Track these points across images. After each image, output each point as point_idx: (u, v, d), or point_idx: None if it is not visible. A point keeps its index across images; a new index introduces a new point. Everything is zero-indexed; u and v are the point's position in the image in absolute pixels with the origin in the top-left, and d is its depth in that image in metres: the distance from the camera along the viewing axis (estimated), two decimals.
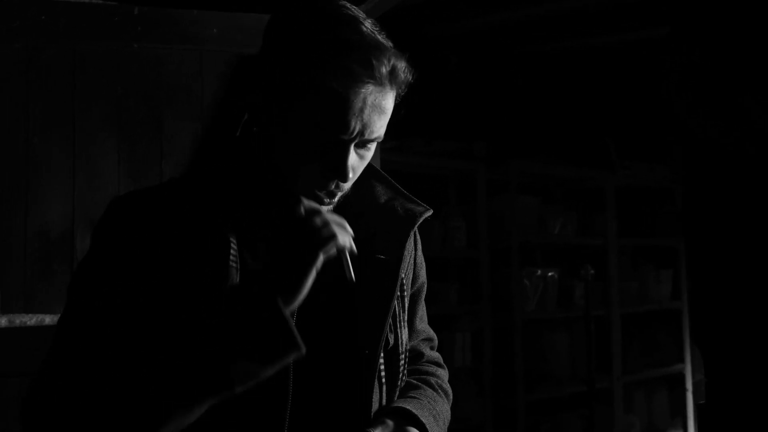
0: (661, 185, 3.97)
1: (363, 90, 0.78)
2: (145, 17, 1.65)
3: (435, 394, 0.97)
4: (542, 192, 3.63)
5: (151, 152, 1.66)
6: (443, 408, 0.97)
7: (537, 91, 3.81)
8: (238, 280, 0.80)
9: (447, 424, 0.97)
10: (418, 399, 0.92)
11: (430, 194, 3.46)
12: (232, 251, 0.80)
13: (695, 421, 3.87)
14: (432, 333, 1.07)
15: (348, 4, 0.83)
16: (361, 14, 0.82)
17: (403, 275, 0.90)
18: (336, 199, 0.86)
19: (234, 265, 0.80)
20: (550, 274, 3.37)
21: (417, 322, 1.03)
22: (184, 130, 1.67)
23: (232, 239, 0.81)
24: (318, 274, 0.80)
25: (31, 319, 1.56)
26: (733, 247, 1.15)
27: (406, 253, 0.90)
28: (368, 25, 0.81)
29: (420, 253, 1.01)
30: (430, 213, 0.94)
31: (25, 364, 1.56)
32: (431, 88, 3.40)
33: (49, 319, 1.57)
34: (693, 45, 1.21)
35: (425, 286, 1.04)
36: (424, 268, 1.03)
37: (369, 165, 0.92)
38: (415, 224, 0.92)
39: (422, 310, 1.05)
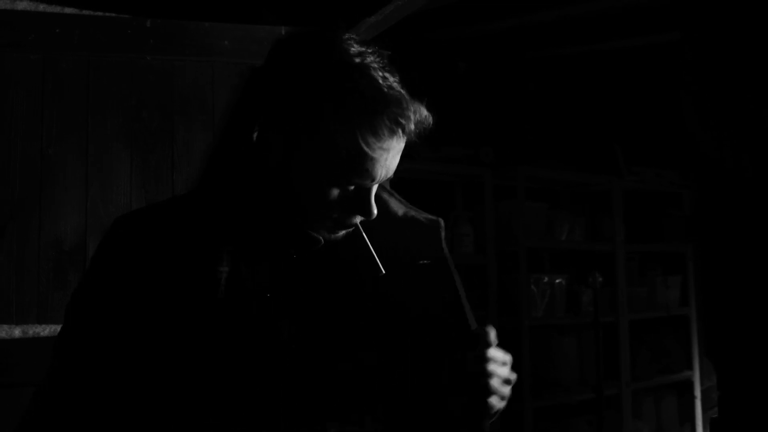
0: (669, 190, 3.96)
1: (392, 146, 0.80)
2: (158, 30, 1.67)
3: None
4: (550, 197, 3.62)
5: (163, 163, 1.67)
6: None
7: (544, 97, 3.81)
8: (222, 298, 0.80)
9: None
10: None
11: (437, 200, 3.47)
12: (222, 273, 0.81)
13: (704, 428, 3.85)
14: None
15: (352, 42, 0.81)
16: (363, 49, 0.81)
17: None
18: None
19: (222, 288, 0.80)
20: (557, 280, 3.36)
21: None
22: (196, 141, 1.68)
23: (224, 264, 0.81)
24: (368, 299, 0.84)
25: (44, 330, 1.58)
26: (745, 259, 1.15)
27: (444, 253, 0.92)
28: (376, 66, 0.80)
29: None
30: (442, 222, 0.97)
31: (39, 375, 1.57)
32: (438, 94, 3.39)
33: None
34: (706, 57, 1.21)
35: None
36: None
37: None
38: (439, 229, 0.94)
39: None
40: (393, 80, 0.81)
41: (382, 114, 0.77)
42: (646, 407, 3.75)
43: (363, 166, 0.79)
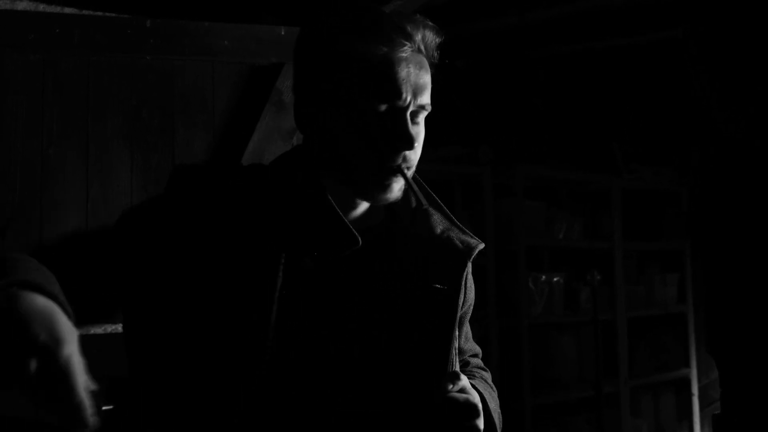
0: (667, 188, 3.97)
1: (404, 54, 0.82)
2: (158, 29, 1.66)
3: (485, 382, 0.98)
4: (548, 196, 3.63)
5: (164, 162, 1.67)
6: (494, 395, 0.97)
7: (542, 95, 3.81)
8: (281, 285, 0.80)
9: (499, 414, 0.96)
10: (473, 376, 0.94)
11: None
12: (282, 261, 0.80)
13: (702, 425, 3.86)
14: (477, 348, 1.08)
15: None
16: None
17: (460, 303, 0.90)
18: (408, 174, 0.84)
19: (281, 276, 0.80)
20: (556, 278, 3.37)
21: (462, 341, 1.01)
22: (196, 140, 1.69)
23: (283, 250, 0.80)
24: (372, 309, 0.82)
25: None
26: (748, 253, 1.15)
27: (463, 282, 0.90)
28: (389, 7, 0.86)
29: (470, 276, 1.01)
30: (482, 246, 0.93)
31: None
32: (437, 92, 3.40)
33: None
34: (715, 38, 1.20)
35: (472, 306, 1.04)
36: (473, 290, 1.03)
37: (427, 191, 0.92)
38: (471, 257, 0.91)
39: (468, 329, 1.05)
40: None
41: (386, 22, 0.82)
42: (645, 404, 3.76)
43: (384, 76, 0.80)
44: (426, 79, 0.84)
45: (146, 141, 1.67)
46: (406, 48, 0.82)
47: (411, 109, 0.83)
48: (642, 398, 3.74)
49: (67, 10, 1.65)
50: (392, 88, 0.81)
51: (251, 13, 1.77)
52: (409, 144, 0.82)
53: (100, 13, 1.67)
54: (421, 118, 0.86)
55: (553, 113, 3.83)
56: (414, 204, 0.92)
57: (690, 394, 3.92)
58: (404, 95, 0.81)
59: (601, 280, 3.07)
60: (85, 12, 1.66)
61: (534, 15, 3.04)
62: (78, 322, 1.53)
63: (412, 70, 0.82)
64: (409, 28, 0.82)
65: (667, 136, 3.98)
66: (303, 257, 0.82)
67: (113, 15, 1.67)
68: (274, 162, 0.90)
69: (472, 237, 0.93)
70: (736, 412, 1.10)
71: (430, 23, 0.86)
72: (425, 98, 0.84)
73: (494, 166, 3.26)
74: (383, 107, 0.81)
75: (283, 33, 1.69)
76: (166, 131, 1.67)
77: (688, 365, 3.93)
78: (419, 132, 0.85)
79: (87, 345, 1.69)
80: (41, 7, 1.63)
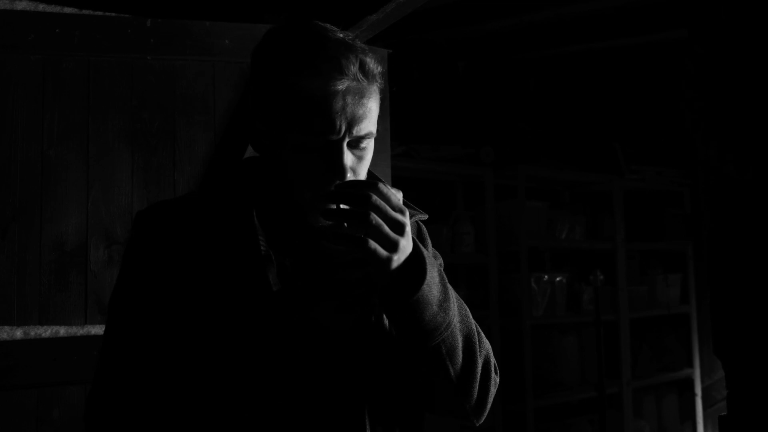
0: (669, 189, 3.96)
1: (339, 88, 0.82)
2: (158, 29, 1.66)
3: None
4: (550, 197, 3.62)
5: (165, 163, 1.67)
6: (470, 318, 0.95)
7: (544, 96, 3.81)
8: (276, 280, 0.85)
9: (469, 323, 0.96)
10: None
11: (438, 200, 3.47)
12: (262, 246, 0.85)
13: (705, 426, 3.85)
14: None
15: (321, 22, 0.88)
16: (333, 28, 0.88)
17: None
18: None
19: (272, 261, 0.85)
20: (558, 278, 3.36)
21: None
22: (197, 141, 1.68)
23: (261, 239, 0.86)
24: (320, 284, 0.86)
25: (45, 331, 1.57)
26: (753, 253, 1.15)
27: None
28: (339, 34, 0.86)
29: (430, 248, 1.04)
30: (424, 217, 0.98)
31: (40, 376, 1.57)
32: (438, 93, 3.40)
33: (63, 331, 1.58)
34: (715, 55, 1.20)
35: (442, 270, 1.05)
36: (440, 257, 1.04)
37: (371, 174, 0.97)
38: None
39: None
40: (347, 37, 0.86)
41: (323, 55, 0.82)
42: (647, 405, 3.75)
43: (318, 113, 0.82)
44: (367, 107, 0.85)
45: (147, 142, 1.66)
46: (342, 80, 0.82)
47: (347, 139, 0.84)
48: (644, 399, 3.73)
49: (67, 9, 1.65)
50: (326, 122, 0.82)
51: (252, 12, 1.77)
52: (341, 175, 0.84)
53: (100, 13, 1.66)
54: (366, 143, 0.87)
55: (554, 114, 3.82)
56: None
57: (693, 395, 3.91)
58: (338, 128, 0.83)
59: (604, 281, 3.06)
60: (85, 11, 1.66)
61: (535, 16, 3.03)
62: (78, 323, 1.51)
63: (349, 101, 0.82)
64: (343, 61, 0.82)
65: (669, 137, 3.97)
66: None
67: (113, 15, 1.66)
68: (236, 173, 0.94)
69: (414, 209, 0.97)
70: (743, 413, 1.10)
71: (369, 51, 0.87)
72: (365, 126, 0.85)
73: (496, 166, 3.25)
74: (319, 139, 0.83)
75: None
76: (166, 132, 1.67)
77: (691, 366, 3.92)
78: (362, 157, 0.88)
79: (87, 345, 1.68)
80: (41, 6, 1.63)
